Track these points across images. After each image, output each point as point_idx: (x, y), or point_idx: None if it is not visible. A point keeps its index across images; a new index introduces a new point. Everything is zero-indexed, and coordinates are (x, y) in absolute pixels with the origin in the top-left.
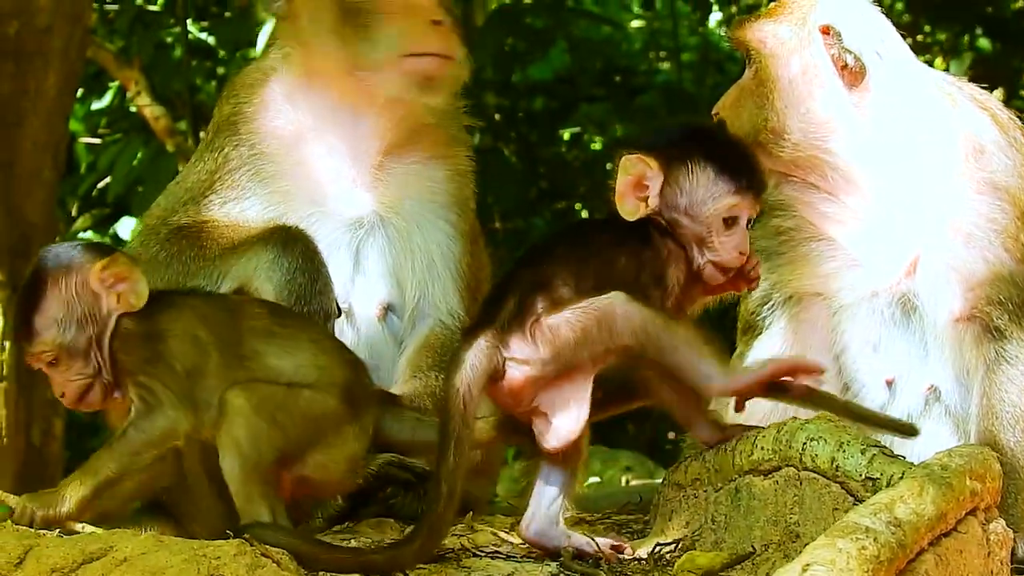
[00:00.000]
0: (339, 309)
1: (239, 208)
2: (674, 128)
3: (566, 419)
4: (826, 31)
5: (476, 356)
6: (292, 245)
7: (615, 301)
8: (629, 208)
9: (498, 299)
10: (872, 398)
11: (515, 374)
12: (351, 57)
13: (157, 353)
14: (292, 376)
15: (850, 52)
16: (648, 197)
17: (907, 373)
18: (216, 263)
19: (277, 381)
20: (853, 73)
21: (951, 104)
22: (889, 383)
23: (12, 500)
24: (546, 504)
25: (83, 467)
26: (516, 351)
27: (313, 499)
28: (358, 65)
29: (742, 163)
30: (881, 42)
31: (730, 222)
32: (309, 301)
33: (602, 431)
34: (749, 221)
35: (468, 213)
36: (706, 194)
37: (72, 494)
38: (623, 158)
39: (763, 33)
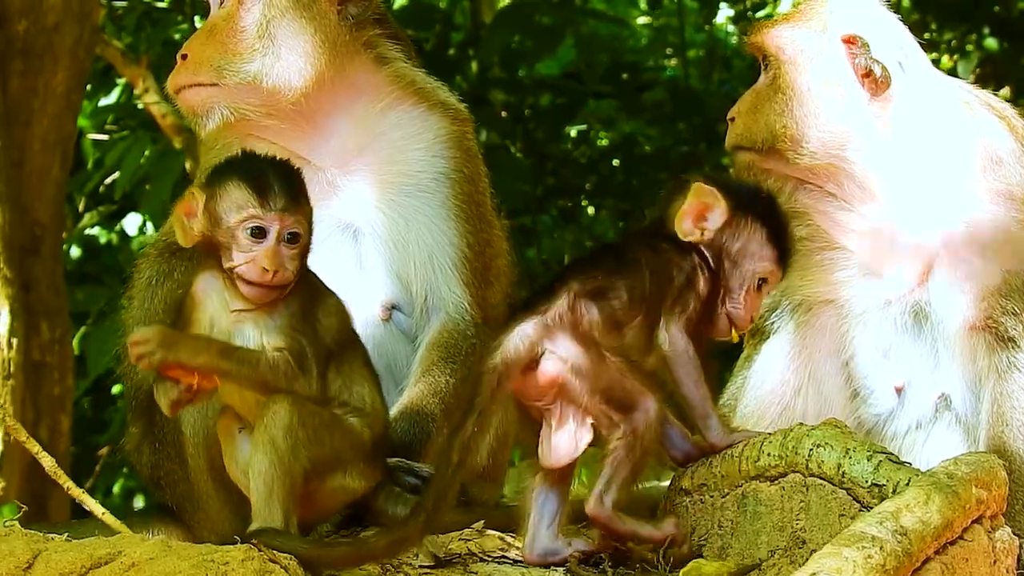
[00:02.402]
0: None
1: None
2: (749, 184)
3: (567, 439)
4: (851, 40)
5: (520, 339)
6: None
7: (651, 407)
8: (686, 229)
9: (550, 293)
10: (881, 404)
11: (550, 367)
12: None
13: (312, 316)
14: (349, 399)
15: (878, 62)
16: (706, 228)
17: (917, 380)
18: None
19: (339, 397)
20: (877, 83)
21: (969, 114)
22: (898, 390)
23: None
24: (545, 524)
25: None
26: (560, 347)
27: (305, 517)
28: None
29: (789, 239)
30: (902, 52)
31: (760, 284)
32: None
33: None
34: (770, 291)
35: (463, 186)
36: (756, 250)
37: (206, 347)
38: (698, 183)
39: (782, 39)
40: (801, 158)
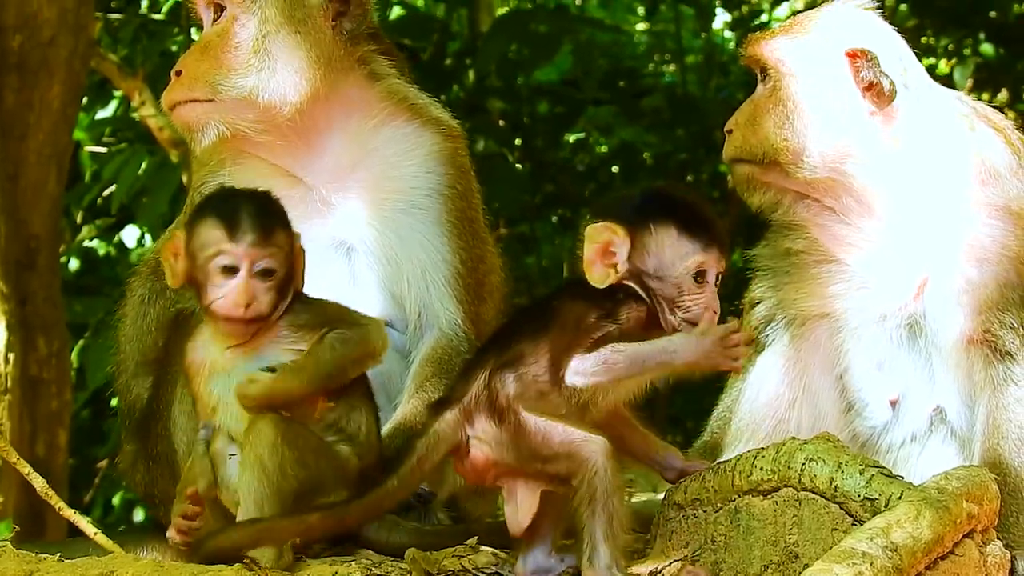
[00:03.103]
0: None
1: None
2: (635, 195)
3: (523, 508)
4: (857, 54)
5: (441, 427)
6: None
7: (596, 452)
8: (598, 275)
9: (468, 374)
10: (876, 418)
11: (477, 453)
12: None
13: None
14: (346, 426)
15: (886, 75)
16: (616, 264)
17: (912, 393)
18: None
19: (337, 423)
20: (882, 96)
21: (968, 127)
22: (893, 403)
23: None
24: (538, 542)
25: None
26: (480, 430)
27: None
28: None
29: (703, 221)
30: (902, 65)
31: (700, 278)
32: None
33: None
34: (717, 278)
35: (455, 203)
36: (673, 254)
37: (294, 381)
38: (589, 227)
39: (781, 51)
40: (801, 171)
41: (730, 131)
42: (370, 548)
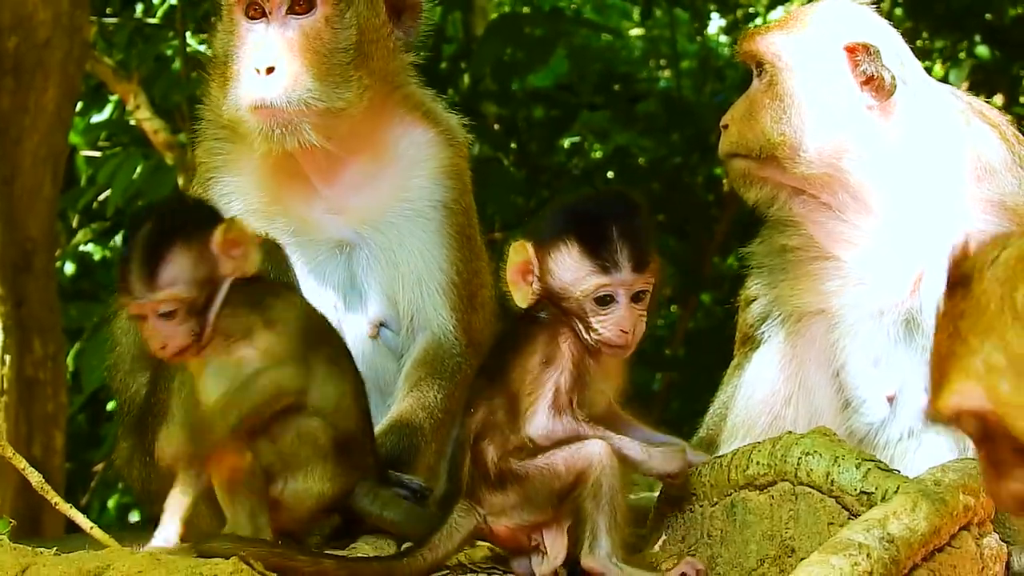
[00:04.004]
0: None
1: None
2: (552, 211)
3: (553, 552)
4: (857, 48)
5: (453, 522)
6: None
7: (599, 450)
8: (518, 295)
9: (457, 459)
10: (873, 414)
11: (499, 528)
12: (224, 109)
13: (257, 333)
14: (313, 395)
15: (888, 69)
16: (533, 282)
17: (909, 389)
18: None
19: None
20: (882, 91)
21: (964, 123)
22: (890, 399)
23: None
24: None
25: (212, 408)
26: (490, 506)
27: (281, 525)
28: (229, 117)
29: (612, 242)
30: (899, 59)
31: (604, 300)
32: None
33: None
34: (640, 296)
35: (456, 216)
36: (573, 276)
37: (218, 424)
38: (509, 245)
39: (777, 46)
40: (798, 166)
41: (726, 126)
42: (362, 519)
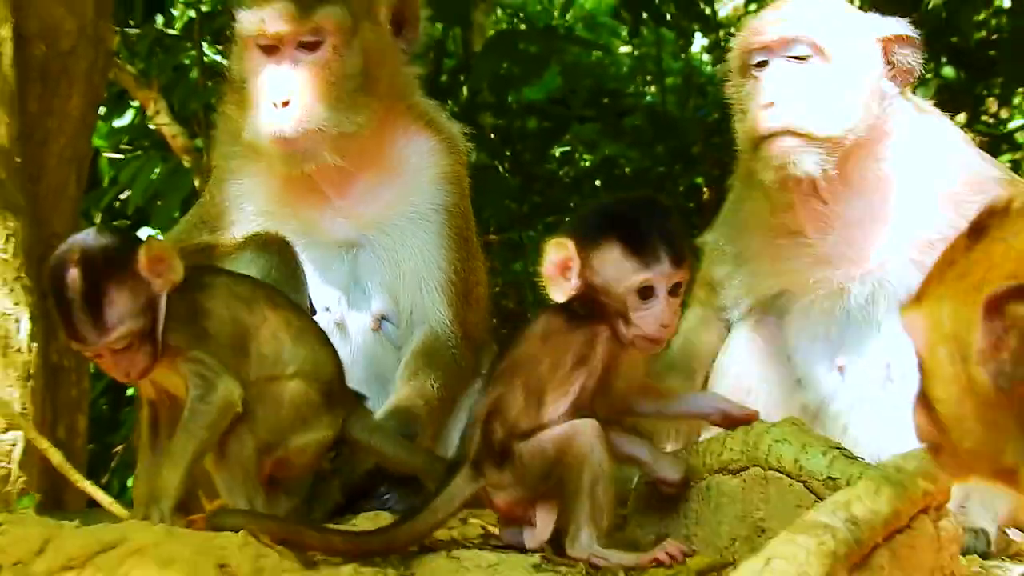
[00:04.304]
0: (313, 308)
1: (237, 235)
2: (593, 210)
3: (540, 528)
4: (893, 39)
5: (455, 487)
6: (268, 246)
7: (587, 435)
8: (555, 290)
9: (469, 431)
10: (825, 385)
11: (497, 500)
12: (246, 134)
13: (203, 330)
14: (287, 363)
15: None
16: (571, 279)
17: (861, 357)
18: None
19: (273, 367)
20: (904, 82)
21: (932, 123)
22: (841, 368)
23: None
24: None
25: (167, 457)
26: (491, 480)
27: (289, 477)
28: (250, 142)
29: (652, 239)
30: None
31: (646, 294)
32: None
33: None
34: (676, 288)
35: (454, 219)
36: (616, 272)
37: (169, 486)
38: (548, 242)
39: (828, 32)
40: (836, 148)
41: (772, 104)
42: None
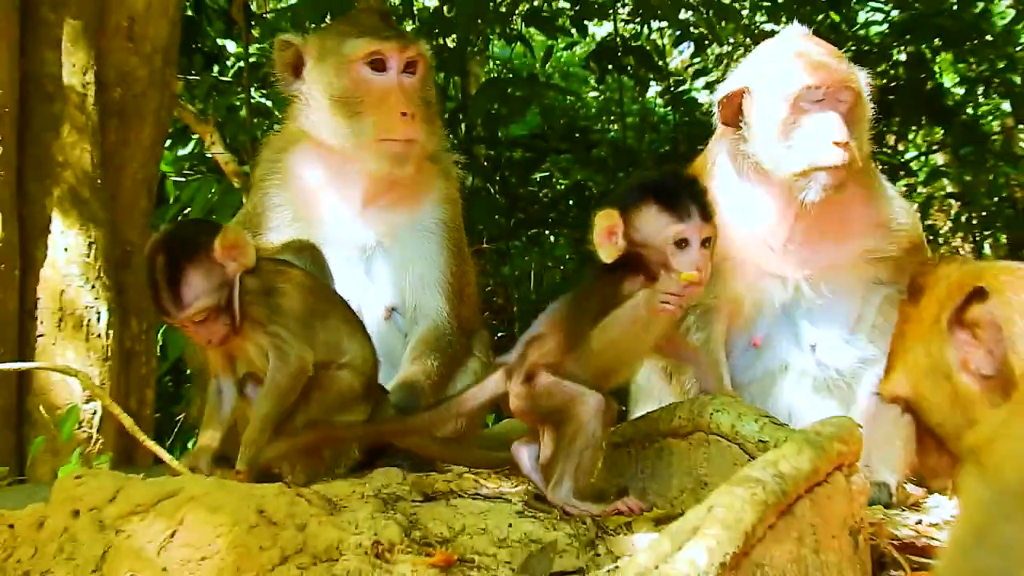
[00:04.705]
0: None
1: (272, 239)
2: (630, 185)
3: (544, 448)
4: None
5: (489, 381)
6: (301, 252)
7: (590, 408)
8: (605, 252)
9: (516, 345)
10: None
11: (513, 405)
12: (342, 136)
13: (278, 305)
14: (343, 353)
15: None
16: (617, 241)
17: (772, 337)
18: None
19: (331, 354)
20: None
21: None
22: (756, 344)
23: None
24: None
25: (253, 419)
26: (515, 388)
27: (323, 447)
28: (347, 143)
29: (684, 198)
30: None
31: (681, 244)
32: None
33: None
34: (707, 242)
35: (452, 232)
36: (654, 227)
37: (253, 443)
38: (595, 214)
39: (861, 80)
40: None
41: (844, 143)
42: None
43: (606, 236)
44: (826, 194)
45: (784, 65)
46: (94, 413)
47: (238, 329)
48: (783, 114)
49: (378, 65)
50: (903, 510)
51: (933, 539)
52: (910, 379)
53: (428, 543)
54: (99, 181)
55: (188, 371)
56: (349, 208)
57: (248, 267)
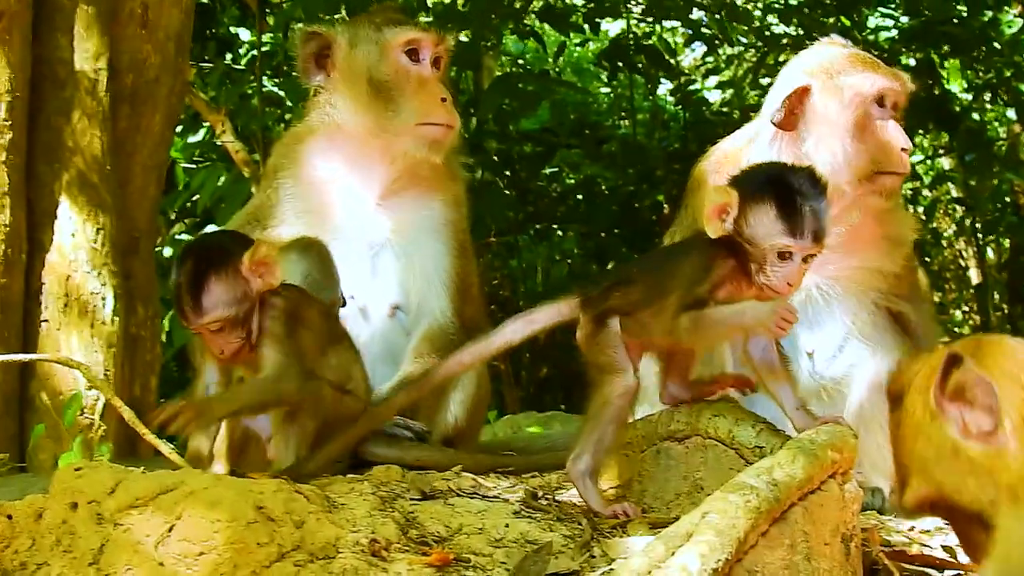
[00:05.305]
0: (344, 300)
1: (281, 232)
2: (760, 169)
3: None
4: None
5: (567, 306)
6: (309, 249)
7: (621, 388)
8: (711, 228)
9: (599, 281)
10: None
11: (579, 334)
12: (378, 122)
13: (295, 329)
14: (351, 380)
15: None
16: (726, 222)
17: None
18: None
19: (340, 378)
20: None
21: None
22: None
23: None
24: (673, 378)
25: (228, 392)
26: (584, 321)
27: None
28: (383, 128)
29: (804, 212)
30: None
31: (784, 256)
32: (320, 291)
33: (571, 397)
34: (810, 257)
35: (458, 233)
36: (765, 230)
37: (218, 408)
38: (714, 186)
39: None
40: None
41: (908, 150)
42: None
43: (717, 213)
44: (884, 200)
45: (855, 68)
46: (97, 400)
47: (252, 346)
48: (854, 117)
49: (413, 55)
50: (896, 516)
51: (926, 546)
52: (925, 477)
53: (425, 542)
54: (108, 167)
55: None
56: (363, 201)
57: (273, 286)
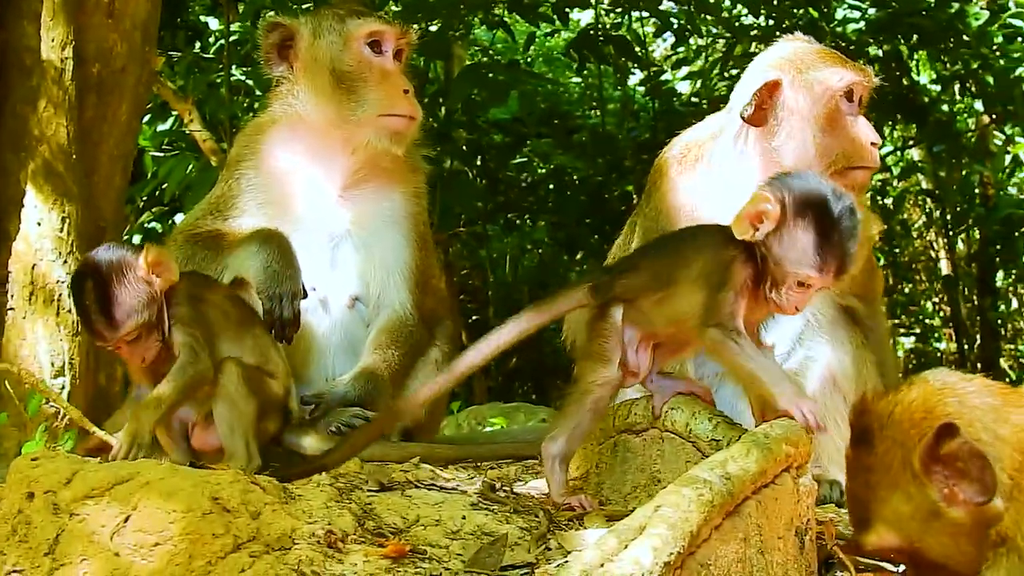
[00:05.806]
0: (306, 291)
1: (241, 223)
2: (809, 186)
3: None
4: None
5: (574, 292)
6: (269, 241)
7: (604, 373)
8: (740, 229)
9: (616, 266)
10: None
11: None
12: (340, 113)
13: (202, 314)
14: (271, 362)
15: None
16: (759, 231)
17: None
18: (219, 259)
19: (262, 362)
20: None
21: None
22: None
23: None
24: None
25: (151, 396)
26: (595, 303)
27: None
28: (345, 119)
29: (840, 251)
30: None
31: (803, 285)
32: (282, 283)
33: (540, 388)
34: (820, 288)
35: (418, 225)
36: (797, 257)
37: (147, 417)
38: (759, 191)
39: None
40: None
41: (877, 144)
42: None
43: (753, 218)
44: (855, 194)
45: (824, 63)
46: (62, 388)
47: (168, 342)
48: (825, 112)
49: (375, 46)
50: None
51: None
52: (896, 529)
53: (381, 533)
54: (75, 156)
55: None
56: (325, 193)
57: (173, 282)
